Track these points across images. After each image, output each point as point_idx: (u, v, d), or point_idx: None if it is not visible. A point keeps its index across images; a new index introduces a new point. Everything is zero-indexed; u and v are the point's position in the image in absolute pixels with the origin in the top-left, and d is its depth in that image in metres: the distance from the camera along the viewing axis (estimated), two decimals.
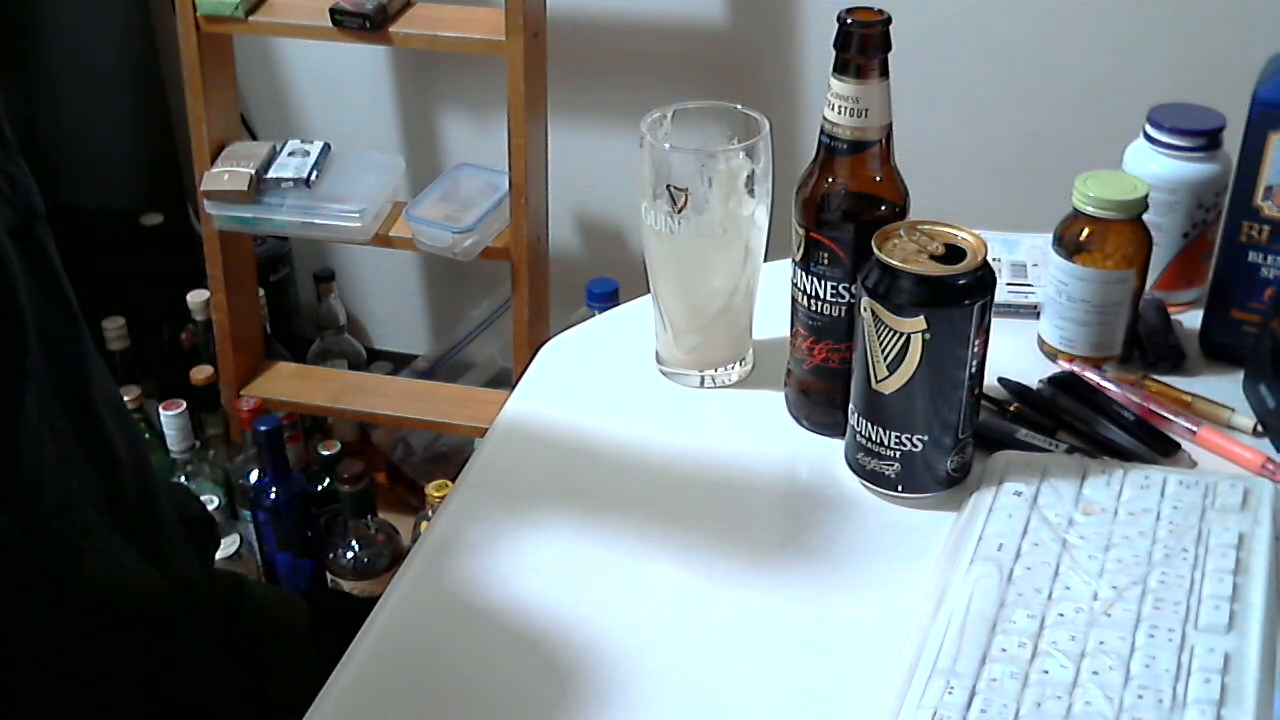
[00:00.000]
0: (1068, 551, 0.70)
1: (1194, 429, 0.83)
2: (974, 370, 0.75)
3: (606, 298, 1.76)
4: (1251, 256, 0.87)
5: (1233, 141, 0.88)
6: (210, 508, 1.54)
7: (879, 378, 0.74)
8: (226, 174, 1.68)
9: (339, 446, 1.77)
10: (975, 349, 0.74)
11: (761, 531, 0.77)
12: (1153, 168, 0.91)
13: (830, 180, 0.78)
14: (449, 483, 1.61)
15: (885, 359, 0.73)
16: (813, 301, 0.81)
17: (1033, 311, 0.94)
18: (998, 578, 0.68)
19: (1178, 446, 0.82)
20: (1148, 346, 0.90)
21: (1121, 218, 0.86)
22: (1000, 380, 0.87)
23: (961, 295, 0.72)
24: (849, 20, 0.75)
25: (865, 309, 0.73)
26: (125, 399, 1.37)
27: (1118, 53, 1.67)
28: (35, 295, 0.74)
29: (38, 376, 0.72)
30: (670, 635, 0.70)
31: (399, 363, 2.11)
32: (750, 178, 0.82)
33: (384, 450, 1.99)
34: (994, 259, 0.75)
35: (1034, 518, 0.73)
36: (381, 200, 1.73)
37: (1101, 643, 0.64)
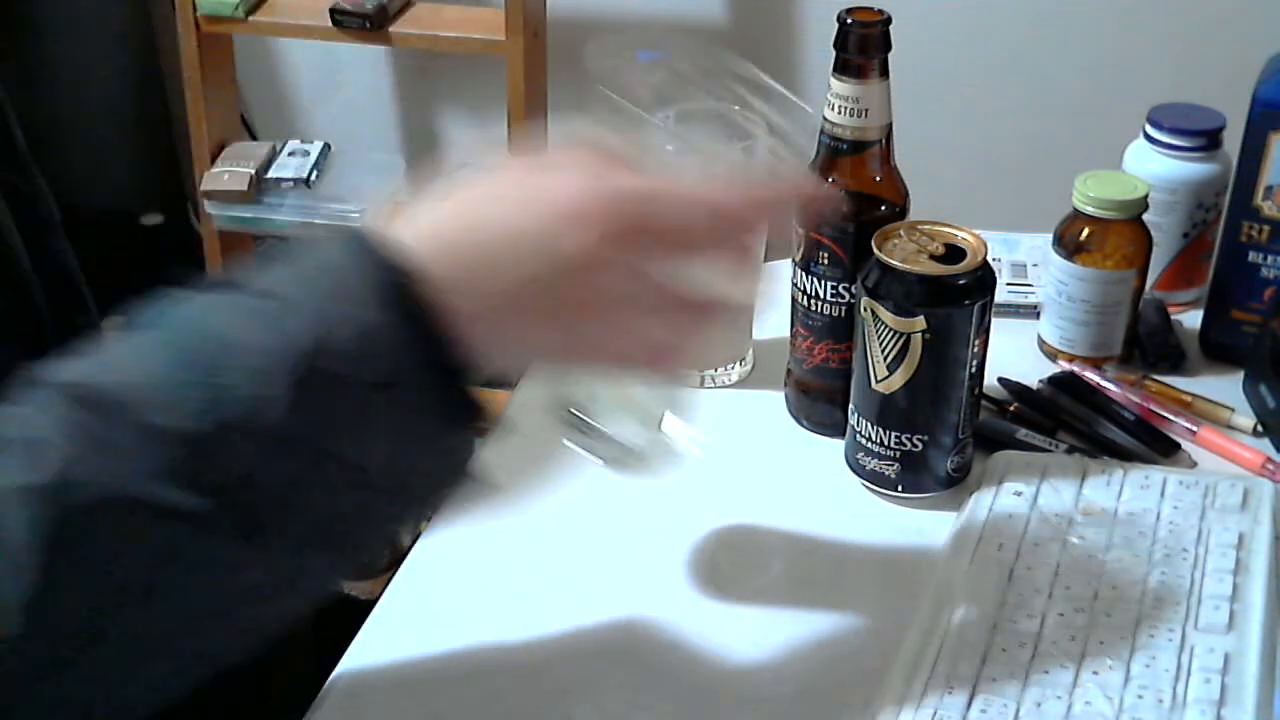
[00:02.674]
0: (1068, 551, 0.70)
1: (1194, 429, 0.83)
2: (974, 370, 0.75)
3: None
4: (1251, 256, 0.87)
5: (1233, 141, 0.88)
6: None
7: (879, 378, 0.74)
8: (226, 174, 1.69)
9: None
10: (975, 349, 0.74)
11: (761, 531, 0.77)
12: (1153, 168, 0.91)
13: (830, 180, 0.78)
14: None
15: (885, 359, 0.73)
16: (813, 301, 0.81)
17: (1033, 311, 0.94)
18: (998, 578, 0.68)
19: (1178, 446, 0.82)
20: (1148, 346, 0.90)
21: (1121, 218, 0.86)
22: (1000, 380, 0.87)
23: (961, 295, 0.72)
24: (849, 20, 0.75)
25: (865, 309, 0.73)
26: None
27: (1118, 53, 1.67)
28: (54, 303, 0.75)
29: None
30: (669, 634, 0.70)
31: None
32: None
33: None
34: (994, 259, 0.75)
35: (1034, 518, 0.73)
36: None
37: (1101, 643, 0.64)
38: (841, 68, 0.76)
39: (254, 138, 1.97)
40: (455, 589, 0.73)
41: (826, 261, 0.79)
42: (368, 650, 0.69)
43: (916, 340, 0.72)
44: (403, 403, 0.51)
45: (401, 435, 0.52)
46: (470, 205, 0.54)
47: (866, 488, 0.78)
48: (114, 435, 0.48)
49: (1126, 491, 0.74)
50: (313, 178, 1.70)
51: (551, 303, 0.53)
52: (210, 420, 0.48)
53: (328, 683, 0.67)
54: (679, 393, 0.70)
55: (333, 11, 1.62)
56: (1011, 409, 0.85)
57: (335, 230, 0.53)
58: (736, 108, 0.80)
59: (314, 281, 0.51)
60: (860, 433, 0.77)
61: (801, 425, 0.85)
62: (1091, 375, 0.87)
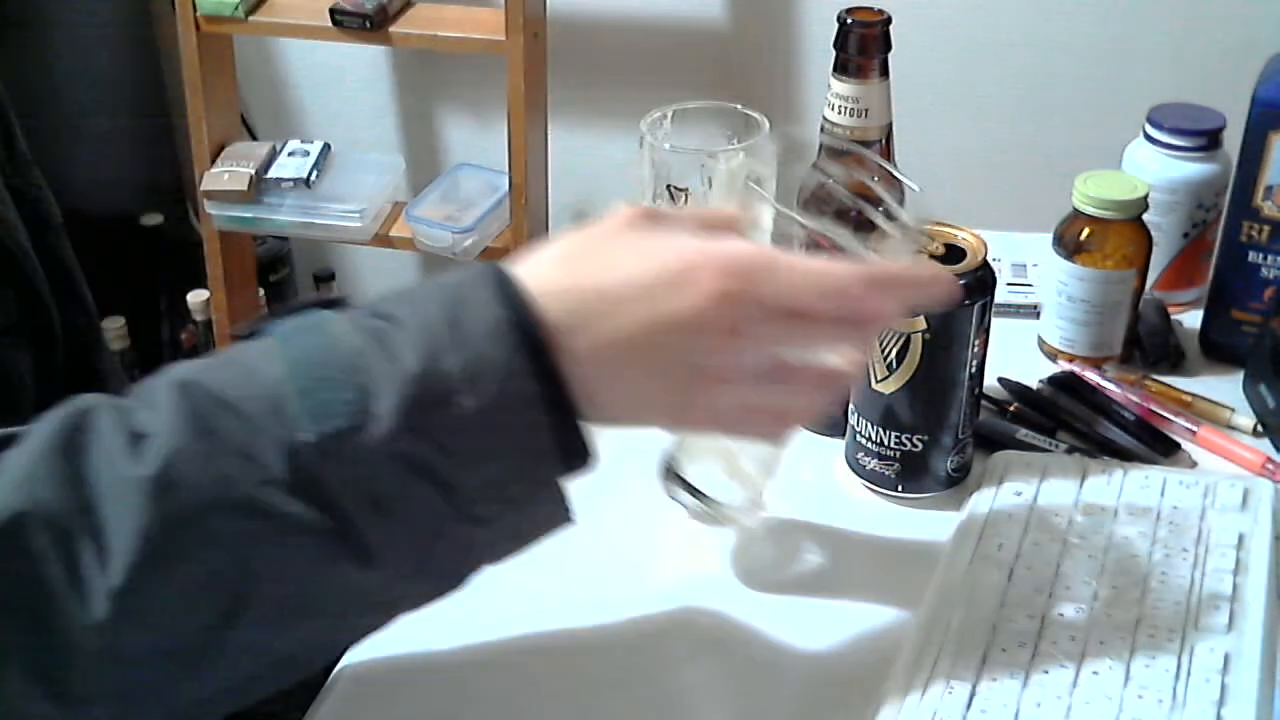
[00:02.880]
0: (1068, 551, 0.70)
1: (1194, 429, 0.83)
2: (974, 370, 0.75)
3: None
4: (1251, 256, 0.87)
5: (1233, 141, 0.88)
6: None
7: (879, 378, 0.74)
8: (226, 174, 1.69)
9: None
10: (975, 349, 0.74)
11: (760, 532, 0.77)
12: (1153, 168, 0.91)
13: (830, 180, 0.78)
14: None
15: (885, 359, 0.73)
16: None
17: (1033, 311, 0.94)
18: (998, 578, 0.68)
19: (1178, 446, 0.82)
20: (1148, 346, 0.90)
21: (1121, 218, 0.86)
22: (1000, 380, 0.87)
23: (961, 295, 0.72)
24: (849, 20, 0.75)
25: None
26: None
27: (1118, 53, 1.67)
28: (55, 303, 0.75)
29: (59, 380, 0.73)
30: (668, 633, 0.70)
31: None
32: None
33: None
34: (994, 259, 0.75)
35: (1034, 518, 0.73)
36: (381, 200, 1.73)
37: (1101, 643, 0.64)
38: (841, 68, 0.76)
39: (254, 138, 1.97)
40: None
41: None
42: (368, 649, 0.69)
43: (916, 340, 0.72)
44: (506, 433, 0.52)
45: (502, 465, 0.53)
46: (588, 254, 0.56)
47: (866, 488, 0.78)
48: (223, 437, 0.50)
49: (1126, 491, 0.74)
50: (313, 178, 1.70)
51: (662, 359, 0.54)
52: (317, 430, 0.49)
53: (328, 682, 0.67)
54: (774, 453, 0.71)
55: (333, 11, 1.62)
56: (1011, 409, 0.85)
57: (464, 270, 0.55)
58: (738, 106, 0.80)
59: (430, 307, 0.52)
60: (860, 433, 0.77)
61: (802, 425, 0.85)
62: (1091, 375, 0.87)
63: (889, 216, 0.64)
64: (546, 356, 0.52)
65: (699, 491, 0.72)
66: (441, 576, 0.56)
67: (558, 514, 0.56)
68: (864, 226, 0.76)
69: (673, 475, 0.73)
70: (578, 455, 0.54)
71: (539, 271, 0.54)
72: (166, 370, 0.52)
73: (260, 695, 0.55)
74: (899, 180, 0.67)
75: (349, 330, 0.52)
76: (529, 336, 0.52)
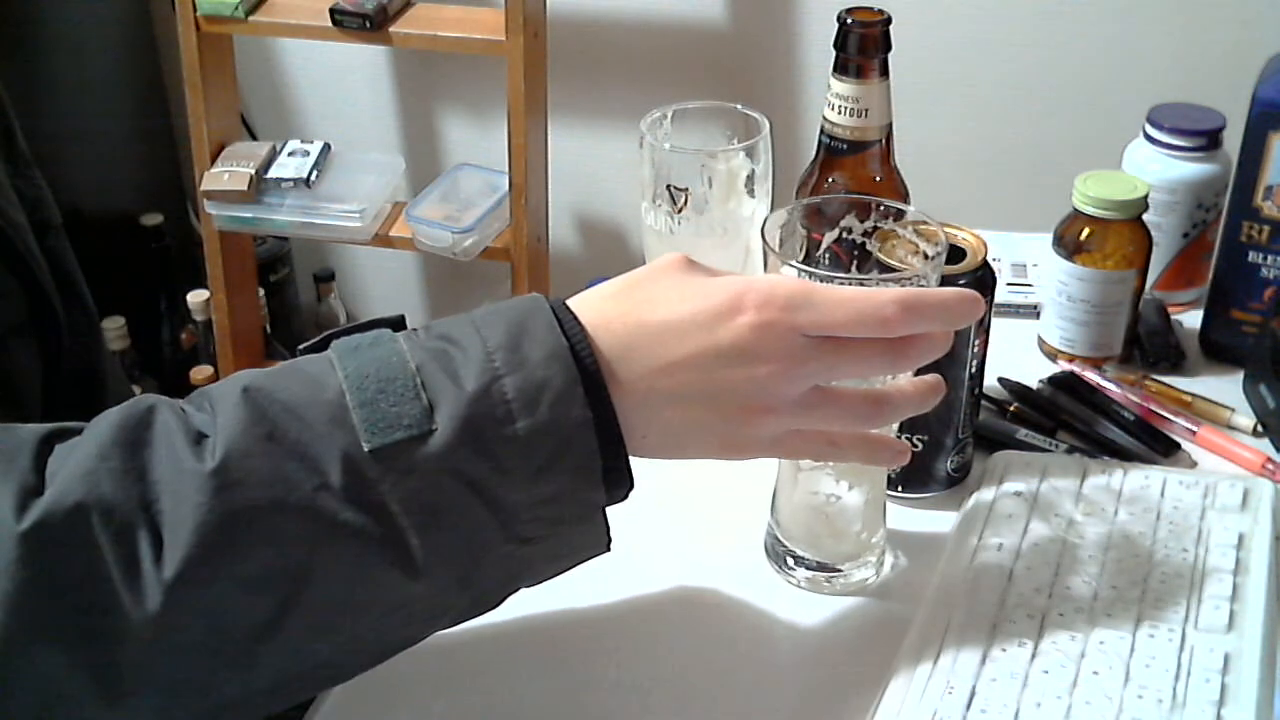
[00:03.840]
0: (1068, 551, 0.70)
1: (1194, 429, 0.83)
2: (974, 370, 0.75)
3: None
4: (1251, 256, 0.87)
5: (1233, 141, 0.89)
6: None
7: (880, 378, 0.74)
8: (226, 174, 1.69)
9: None
10: (975, 349, 0.74)
11: (760, 530, 0.77)
12: (1153, 168, 0.91)
13: (830, 180, 0.78)
14: None
15: None
16: None
17: (1033, 311, 0.94)
18: (998, 578, 0.68)
19: (1178, 446, 0.82)
20: (1148, 346, 0.90)
21: (1121, 218, 0.86)
22: (1000, 380, 0.87)
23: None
24: (849, 20, 0.75)
25: None
26: None
27: (1118, 53, 1.67)
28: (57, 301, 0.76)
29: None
30: (667, 635, 0.70)
31: None
32: (750, 178, 0.82)
33: None
34: (994, 259, 0.75)
35: (1034, 518, 0.73)
36: (381, 200, 1.73)
37: (1101, 643, 0.64)
38: (841, 68, 0.76)
39: (254, 138, 1.97)
40: None
41: (827, 262, 0.79)
42: None
43: None
44: (557, 455, 0.54)
45: (550, 487, 0.54)
46: (637, 292, 0.59)
47: None
48: (284, 442, 0.51)
49: (1126, 491, 0.74)
50: (313, 178, 1.70)
51: (707, 388, 0.57)
52: (376, 441, 0.52)
53: None
54: (874, 503, 0.71)
55: (333, 11, 1.62)
56: (1011, 409, 0.85)
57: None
58: (738, 106, 0.80)
59: (490, 331, 0.55)
60: None
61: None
62: (1091, 375, 0.87)
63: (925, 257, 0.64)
64: (599, 384, 0.55)
65: (811, 562, 0.71)
66: (482, 593, 0.57)
67: (597, 539, 0.58)
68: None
69: (781, 550, 0.72)
70: (621, 482, 0.57)
71: (593, 305, 0.57)
72: (231, 376, 0.54)
73: (294, 700, 0.57)
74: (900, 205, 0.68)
75: (410, 349, 0.54)
76: (584, 364, 0.54)
